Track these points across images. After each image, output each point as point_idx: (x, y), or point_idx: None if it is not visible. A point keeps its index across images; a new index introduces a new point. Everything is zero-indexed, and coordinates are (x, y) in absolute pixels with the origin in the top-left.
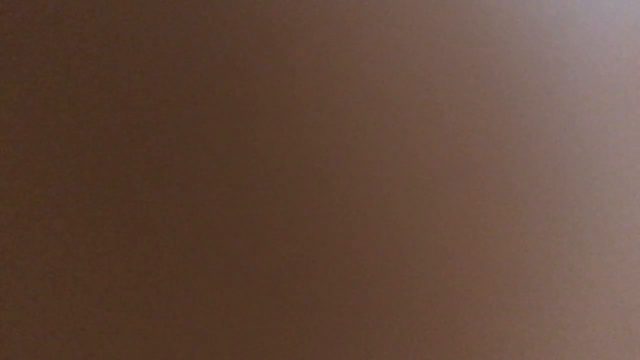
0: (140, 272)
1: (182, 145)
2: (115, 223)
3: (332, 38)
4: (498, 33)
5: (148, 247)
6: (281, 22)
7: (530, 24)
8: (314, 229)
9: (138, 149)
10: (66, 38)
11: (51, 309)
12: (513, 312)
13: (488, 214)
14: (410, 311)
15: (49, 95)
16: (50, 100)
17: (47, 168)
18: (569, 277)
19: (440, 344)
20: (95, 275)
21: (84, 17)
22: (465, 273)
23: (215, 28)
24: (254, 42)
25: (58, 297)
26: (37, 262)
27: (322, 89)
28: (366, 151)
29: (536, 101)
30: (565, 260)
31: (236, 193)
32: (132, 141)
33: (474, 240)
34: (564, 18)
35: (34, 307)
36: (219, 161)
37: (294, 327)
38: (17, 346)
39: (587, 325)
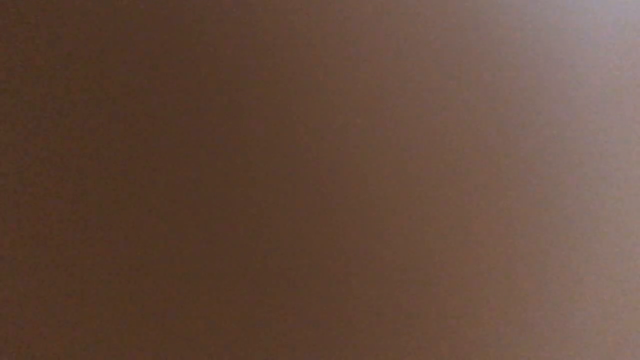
0: (139, 271)
1: (179, 146)
2: (113, 223)
3: (329, 37)
4: (495, 32)
5: (146, 247)
6: (279, 20)
7: (529, 23)
8: (311, 228)
9: (135, 148)
10: (64, 37)
11: (49, 310)
12: (511, 312)
13: (485, 213)
14: (406, 311)
15: (48, 95)
16: (49, 100)
17: (45, 168)
18: (567, 276)
19: (436, 344)
20: (93, 275)
21: (81, 16)
22: (462, 273)
23: (211, 26)
24: (251, 42)
25: (56, 298)
26: (36, 262)
27: (319, 88)
28: (363, 151)
29: (535, 101)
30: (563, 260)
31: (234, 193)
32: (128, 140)
33: (471, 240)
34: (563, 16)
35: (34, 307)
36: (217, 160)
37: (289, 327)
38: (17, 346)
39: (584, 325)
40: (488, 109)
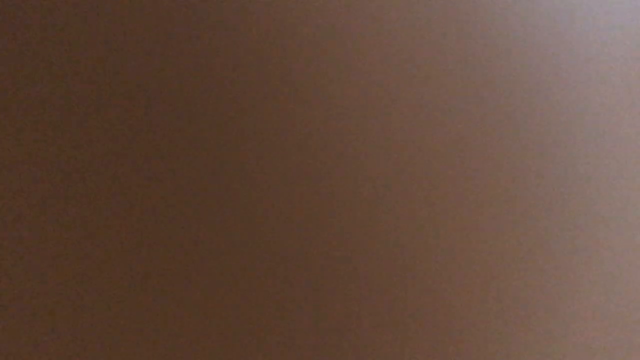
0: (138, 271)
1: (179, 146)
2: (112, 223)
3: (329, 37)
4: (496, 32)
5: (146, 247)
6: (279, 21)
7: (529, 24)
8: (311, 229)
9: (134, 149)
10: (64, 37)
11: (49, 309)
12: (511, 312)
13: (486, 213)
14: (406, 312)
15: (47, 95)
16: (49, 100)
17: (45, 168)
18: (567, 277)
19: (437, 345)
20: (92, 275)
21: (81, 16)
22: (463, 274)
23: (211, 27)
24: (252, 42)
25: (55, 298)
26: (36, 262)
27: (319, 88)
28: (364, 151)
29: (535, 101)
30: (563, 260)
31: (234, 193)
32: (127, 141)
33: (472, 241)
34: (563, 17)
35: (34, 307)
36: (217, 160)
37: (288, 327)
38: (17, 346)
39: (585, 325)
40: (488, 109)
